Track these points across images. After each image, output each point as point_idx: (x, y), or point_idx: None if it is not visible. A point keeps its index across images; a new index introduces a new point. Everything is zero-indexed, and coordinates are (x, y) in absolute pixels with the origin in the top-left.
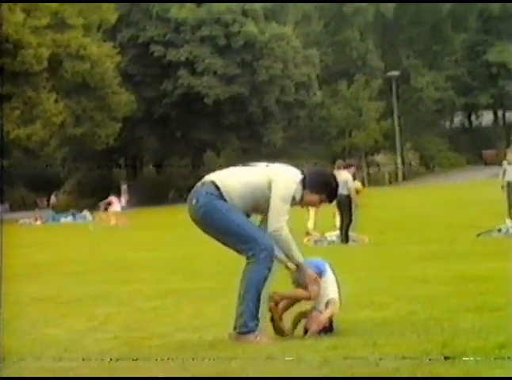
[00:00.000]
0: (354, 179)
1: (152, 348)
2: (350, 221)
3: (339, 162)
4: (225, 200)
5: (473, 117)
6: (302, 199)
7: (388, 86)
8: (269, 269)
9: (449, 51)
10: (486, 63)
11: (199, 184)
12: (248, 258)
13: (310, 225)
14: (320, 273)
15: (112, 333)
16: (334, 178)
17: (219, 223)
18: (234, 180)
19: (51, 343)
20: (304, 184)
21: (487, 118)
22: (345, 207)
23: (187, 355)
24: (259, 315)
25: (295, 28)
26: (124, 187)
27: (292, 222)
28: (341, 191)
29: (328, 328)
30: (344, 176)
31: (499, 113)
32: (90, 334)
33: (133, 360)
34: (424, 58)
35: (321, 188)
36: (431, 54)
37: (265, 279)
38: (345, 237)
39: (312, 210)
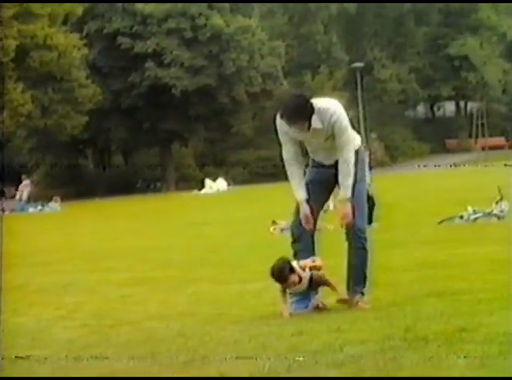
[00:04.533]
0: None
1: (120, 336)
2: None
3: None
4: None
5: (436, 108)
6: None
7: (353, 78)
8: None
9: (412, 44)
10: (447, 56)
11: None
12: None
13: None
14: None
15: (80, 321)
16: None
17: None
18: None
19: (20, 332)
20: None
21: (449, 108)
22: None
23: (155, 343)
24: None
25: (260, 21)
26: (26, 181)
27: None
28: None
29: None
30: None
31: (461, 104)
32: (59, 322)
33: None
34: (387, 50)
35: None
36: (394, 46)
37: None
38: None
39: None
